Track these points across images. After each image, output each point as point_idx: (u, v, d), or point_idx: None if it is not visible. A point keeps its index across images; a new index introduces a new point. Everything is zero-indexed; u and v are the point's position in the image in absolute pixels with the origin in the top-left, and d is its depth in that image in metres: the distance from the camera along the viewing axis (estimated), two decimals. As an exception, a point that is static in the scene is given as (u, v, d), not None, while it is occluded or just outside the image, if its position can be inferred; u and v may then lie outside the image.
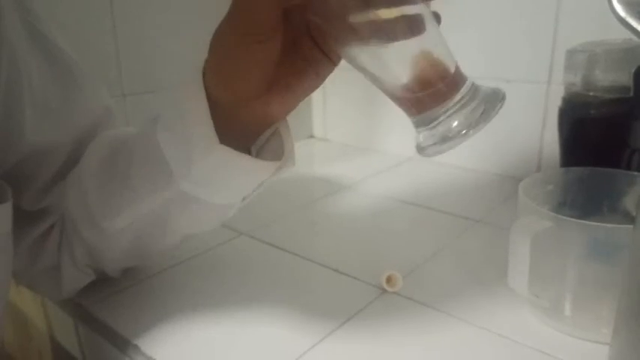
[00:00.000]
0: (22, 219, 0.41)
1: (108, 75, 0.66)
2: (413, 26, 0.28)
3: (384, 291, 0.45)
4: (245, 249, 0.54)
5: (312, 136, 0.98)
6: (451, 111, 0.29)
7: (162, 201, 0.37)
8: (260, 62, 0.30)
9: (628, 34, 0.27)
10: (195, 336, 0.40)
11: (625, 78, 0.50)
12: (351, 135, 0.92)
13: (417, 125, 0.30)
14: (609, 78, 0.51)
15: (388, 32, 0.28)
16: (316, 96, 0.95)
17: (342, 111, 0.92)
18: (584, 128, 0.54)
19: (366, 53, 0.29)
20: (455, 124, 0.29)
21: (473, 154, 0.75)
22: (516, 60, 0.68)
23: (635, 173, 0.42)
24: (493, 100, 0.29)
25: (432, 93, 0.29)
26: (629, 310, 0.28)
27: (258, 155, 0.36)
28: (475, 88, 0.29)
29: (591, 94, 0.52)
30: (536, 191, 0.41)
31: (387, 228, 0.60)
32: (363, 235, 0.58)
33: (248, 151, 0.36)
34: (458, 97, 0.29)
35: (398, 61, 0.29)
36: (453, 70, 0.29)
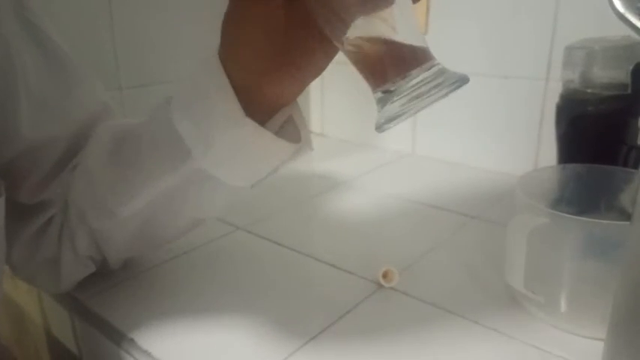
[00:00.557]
0: (20, 212, 0.41)
1: (105, 68, 0.66)
2: None
3: (381, 286, 0.45)
4: (242, 243, 0.54)
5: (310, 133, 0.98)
6: (410, 87, 0.29)
7: (177, 181, 0.37)
8: (263, 28, 0.30)
9: (627, 31, 0.27)
10: (191, 330, 0.40)
11: (623, 75, 0.50)
12: (349, 131, 0.92)
13: (378, 103, 0.31)
14: (607, 75, 0.51)
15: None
16: (314, 92, 0.94)
17: (340, 107, 0.92)
18: (581, 125, 0.54)
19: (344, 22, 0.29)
20: (412, 94, 0.29)
21: (470, 151, 0.75)
22: (515, 56, 0.68)
23: (632, 170, 0.42)
24: (453, 79, 0.29)
25: (399, 60, 0.29)
26: (624, 307, 0.28)
27: None
28: (441, 70, 0.30)
29: (589, 91, 0.52)
30: (534, 188, 0.41)
31: (384, 224, 0.60)
32: (360, 230, 0.58)
33: None
34: (419, 72, 0.29)
35: (371, 29, 0.29)
36: (421, 44, 0.29)
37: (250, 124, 0.32)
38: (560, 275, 0.38)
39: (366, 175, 0.75)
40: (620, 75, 0.50)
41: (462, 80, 0.29)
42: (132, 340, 0.39)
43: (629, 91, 0.50)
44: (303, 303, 0.43)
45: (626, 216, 0.39)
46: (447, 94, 0.29)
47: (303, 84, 0.34)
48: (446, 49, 0.74)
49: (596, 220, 0.34)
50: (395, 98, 0.29)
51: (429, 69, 0.29)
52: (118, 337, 0.40)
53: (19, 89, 0.37)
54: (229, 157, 0.35)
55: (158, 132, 0.37)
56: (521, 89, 0.68)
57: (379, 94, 0.30)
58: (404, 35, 0.29)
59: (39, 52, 0.40)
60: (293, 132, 0.36)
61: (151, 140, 0.37)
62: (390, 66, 0.29)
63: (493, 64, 0.70)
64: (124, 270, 0.48)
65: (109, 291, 0.45)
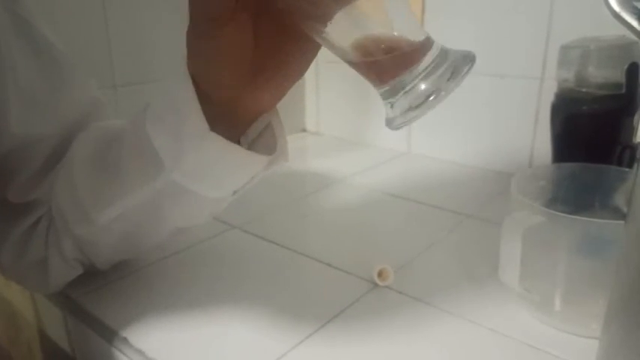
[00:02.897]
0: (9, 212, 0.41)
1: (99, 66, 0.65)
2: None
3: (376, 285, 0.45)
4: (237, 242, 0.54)
5: (304, 130, 0.98)
6: (419, 77, 0.27)
7: (152, 192, 0.36)
8: (228, 49, 0.29)
9: (622, 31, 0.27)
10: (185, 328, 0.40)
11: (618, 75, 0.50)
12: (344, 129, 0.92)
13: (386, 97, 0.29)
14: (602, 74, 0.51)
15: None
16: (309, 90, 0.94)
17: (335, 105, 0.92)
18: (576, 124, 0.55)
19: (327, 20, 0.27)
20: (422, 89, 0.27)
21: (465, 150, 0.75)
22: (510, 55, 0.68)
23: (626, 169, 0.42)
24: (462, 63, 0.28)
25: (398, 58, 0.27)
26: (619, 306, 0.28)
27: (250, 148, 0.35)
28: (444, 52, 0.28)
29: (584, 90, 0.52)
30: (528, 186, 0.41)
31: (379, 222, 0.60)
32: (355, 229, 0.58)
33: (238, 143, 0.35)
34: (425, 62, 0.27)
35: (356, 23, 0.28)
36: (418, 34, 0.28)
37: (217, 140, 0.32)
38: (554, 274, 0.38)
39: (361, 174, 0.74)
40: (615, 74, 0.50)
41: (467, 60, 0.28)
42: (125, 338, 0.39)
43: (624, 90, 0.50)
44: (298, 302, 0.43)
45: (621, 215, 0.39)
46: (458, 84, 0.27)
47: (284, 90, 0.33)
48: (441, 48, 0.74)
49: (591, 219, 0.34)
50: (399, 95, 0.28)
51: (434, 56, 0.27)
52: (111, 336, 0.40)
53: (7, 85, 0.37)
54: (201, 170, 0.34)
55: (136, 140, 0.36)
56: (517, 88, 0.68)
57: (383, 90, 0.29)
58: (399, 27, 0.28)
59: (29, 47, 0.39)
60: (270, 139, 0.35)
61: (130, 148, 0.36)
62: (389, 65, 0.28)
63: (488, 63, 0.70)
64: (116, 269, 0.47)
65: (102, 289, 0.45)
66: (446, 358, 0.36)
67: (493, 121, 0.72)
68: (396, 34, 0.28)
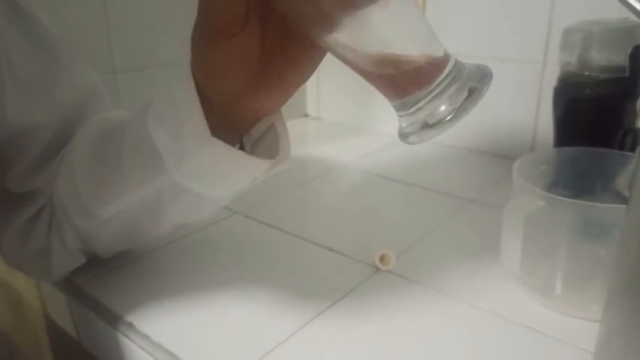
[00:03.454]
0: (10, 201, 0.41)
1: (99, 52, 0.65)
2: None
3: (378, 269, 0.45)
4: (239, 228, 0.54)
5: (305, 115, 0.97)
6: (432, 94, 0.26)
7: (153, 190, 0.36)
8: (236, 58, 0.29)
9: (625, 14, 0.27)
10: (189, 313, 0.40)
11: (621, 58, 0.50)
12: (345, 114, 0.92)
13: (398, 109, 0.28)
14: (605, 58, 0.51)
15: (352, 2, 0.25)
16: (310, 74, 0.94)
17: (336, 90, 0.92)
18: (578, 108, 0.54)
19: (338, 30, 0.26)
20: (438, 109, 0.26)
21: (467, 134, 0.75)
22: (512, 39, 0.68)
23: (628, 153, 0.42)
24: (479, 81, 0.26)
25: (410, 74, 0.26)
26: (619, 289, 0.28)
27: (252, 149, 0.35)
28: (459, 68, 0.27)
29: (587, 73, 0.52)
30: (530, 171, 0.41)
31: (381, 207, 0.60)
32: (357, 214, 0.58)
33: (240, 143, 0.35)
34: (439, 78, 0.26)
35: (370, 35, 0.26)
36: (434, 49, 0.26)
37: (218, 145, 0.31)
38: (555, 258, 0.38)
39: (362, 159, 0.74)
40: (618, 58, 0.50)
41: (484, 78, 0.26)
42: (130, 324, 0.39)
43: (627, 73, 0.50)
44: (300, 286, 0.43)
45: (622, 199, 0.39)
46: (475, 103, 0.26)
47: (288, 94, 0.33)
48: (443, 33, 0.74)
49: (593, 204, 0.34)
50: (412, 110, 0.27)
51: (449, 72, 0.26)
52: (117, 322, 0.40)
53: (3, 72, 0.36)
54: (201, 172, 0.34)
55: (137, 137, 0.35)
56: (519, 72, 0.68)
57: (395, 103, 0.28)
58: (414, 38, 0.26)
59: (25, 34, 0.39)
60: (273, 140, 0.35)
61: (131, 145, 0.36)
62: (404, 81, 0.27)
63: (490, 47, 0.69)
64: (120, 256, 0.47)
65: (107, 275, 0.45)
66: (447, 342, 0.37)
67: (495, 106, 0.71)
68: (410, 47, 0.26)
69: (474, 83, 0.26)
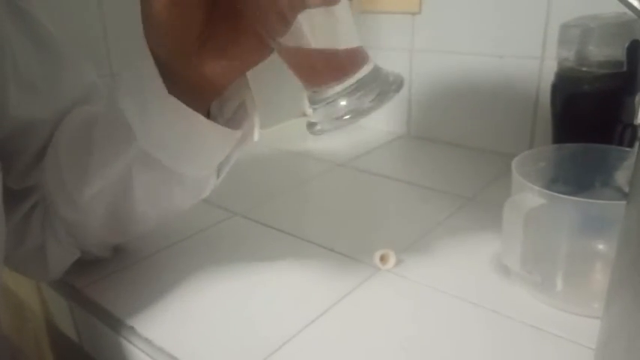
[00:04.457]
0: (8, 198, 0.41)
1: (96, 54, 0.65)
2: None
3: (378, 269, 0.45)
4: (239, 229, 0.54)
5: (304, 115, 0.97)
6: (344, 91, 0.29)
7: (125, 165, 0.36)
8: (178, 17, 0.30)
9: (622, 8, 0.27)
10: (191, 317, 0.40)
11: (618, 53, 0.50)
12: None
13: (311, 101, 0.30)
14: (603, 53, 0.51)
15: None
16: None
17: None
18: (577, 104, 0.54)
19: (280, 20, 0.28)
20: (343, 104, 0.29)
21: (465, 131, 0.75)
22: (509, 35, 0.68)
23: (628, 149, 0.42)
24: (388, 87, 0.29)
25: (331, 64, 0.29)
26: (620, 286, 0.28)
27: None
28: (376, 72, 0.29)
29: (584, 69, 0.52)
30: (529, 168, 0.41)
31: (381, 206, 0.60)
32: (357, 213, 0.58)
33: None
34: (354, 78, 0.28)
35: (302, 25, 0.28)
36: (353, 46, 0.29)
37: (177, 104, 0.32)
38: (556, 255, 0.38)
39: (361, 157, 0.74)
40: (616, 53, 0.50)
41: (395, 85, 0.29)
42: (132, 327, 0.39)
43: (625, 68, 0.50)
44: (301, 287, 0.43)
45: (622, 194, 0.39)
46: (377, 107, 0.29)
47: (233, 69, 0.34)
48: (440, 29, 0.74)
49: (593, 200, 0.34)
50: (322, 105, 0.29)
51: (365, 74, 0.29)
52: (118, 326, 0.40)
53: (7, 71, 0.37)
54: (166, 138, 0.34)
55: (111, 116, 0.36)
56: (517, 68, 0.68)
57: (311, 93, 0.30)
58: (345, 32, 0.29)
59: (25, 32, 0.39)
60: (244, 117, 0.35)
61: (105, 123, 0.37)
62: (324, 70, 0.29)
63: (488, 43, 0.69)
64: (120, 258, 0.48)
65: (108, 279, 0.45)
66: (449, 341, 0.37)
67: (493, 102, 0.71)
68: (336, 41, 0.29)
69: (384, 87, 0.29)
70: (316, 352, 0.36)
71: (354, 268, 0.46)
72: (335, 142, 0.82)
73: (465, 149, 0.75)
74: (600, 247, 0.36)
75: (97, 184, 0.38)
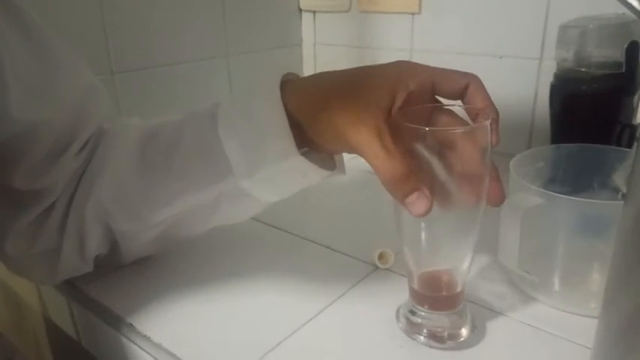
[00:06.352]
0: (15, 201, 0.40)
1: (96, 53, 0.65)
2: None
3: (376, 267, 0.45)
4: (238, 227, 0.54)
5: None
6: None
7: (213, 194, 0.39)
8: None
9: (621, 9, 0.27)
10: (190, 314, 0.40)
11: (617, 53, 0.50)
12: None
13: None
14: (601, 53, 0.51)
15: None
16: (307, 71, 0.94)
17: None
18: (575, 104, 0.54)
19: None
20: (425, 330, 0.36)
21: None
22: (508, 35, 0.68)
23: (625, 149, 0.42)
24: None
25: (439, 299, 0.36)
26: (617, 285, 0.28)
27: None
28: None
29: (583, 69, 0.52)
30: (527, 168, 0.41)
31: (380, 205, 0.60)
32: (356, 212, 0.58)
33: None
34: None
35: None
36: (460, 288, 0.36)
37: (300, 159, 0.35)
38: (553, 255, 0.38)
39: (360, 157, 0.74)
40: (615, 53, 0.50)
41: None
42: (131, 325, 0.39)
43: (624, 69, 0.50)
44: (300, 285, 0.43)
45: (620, 194, 0.40)
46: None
47: (329, 150, 0.38)
48: (439, 29, 0.74)
49: (590, 200, 0.35)
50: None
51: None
52: (117, 323, 0.41)
53: (6, 70, 0.37)
54: (270, 181, 0.37)
55: (201, 142, 0.38)
56: (516, 69, 0.68)
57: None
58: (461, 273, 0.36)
59: (21, 33, 0.39)
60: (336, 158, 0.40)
61: (192, 149, 0.39)
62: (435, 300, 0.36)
63: (486, 43, 0.69)
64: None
65: (107, 277, 0.45)
66: (447, 339, 0.37)
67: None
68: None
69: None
70: (314, 350, 0.36)
71: (353, 267, 0.46)
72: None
73: (463, 149, 0.75)
74: (598, 246, 0.36)
75: (178, 208, 0.40)
